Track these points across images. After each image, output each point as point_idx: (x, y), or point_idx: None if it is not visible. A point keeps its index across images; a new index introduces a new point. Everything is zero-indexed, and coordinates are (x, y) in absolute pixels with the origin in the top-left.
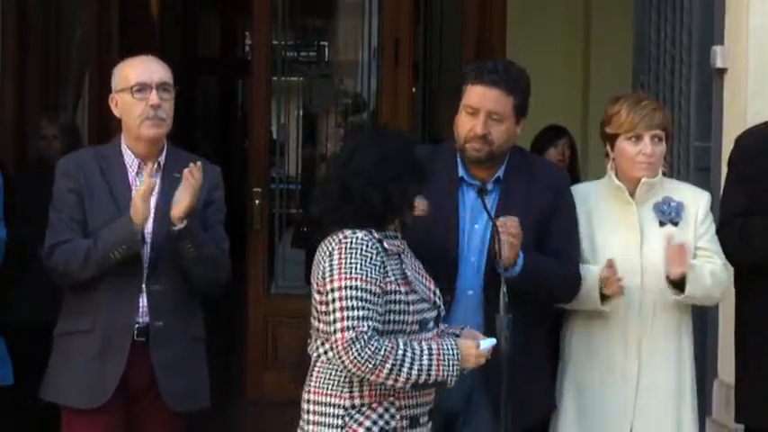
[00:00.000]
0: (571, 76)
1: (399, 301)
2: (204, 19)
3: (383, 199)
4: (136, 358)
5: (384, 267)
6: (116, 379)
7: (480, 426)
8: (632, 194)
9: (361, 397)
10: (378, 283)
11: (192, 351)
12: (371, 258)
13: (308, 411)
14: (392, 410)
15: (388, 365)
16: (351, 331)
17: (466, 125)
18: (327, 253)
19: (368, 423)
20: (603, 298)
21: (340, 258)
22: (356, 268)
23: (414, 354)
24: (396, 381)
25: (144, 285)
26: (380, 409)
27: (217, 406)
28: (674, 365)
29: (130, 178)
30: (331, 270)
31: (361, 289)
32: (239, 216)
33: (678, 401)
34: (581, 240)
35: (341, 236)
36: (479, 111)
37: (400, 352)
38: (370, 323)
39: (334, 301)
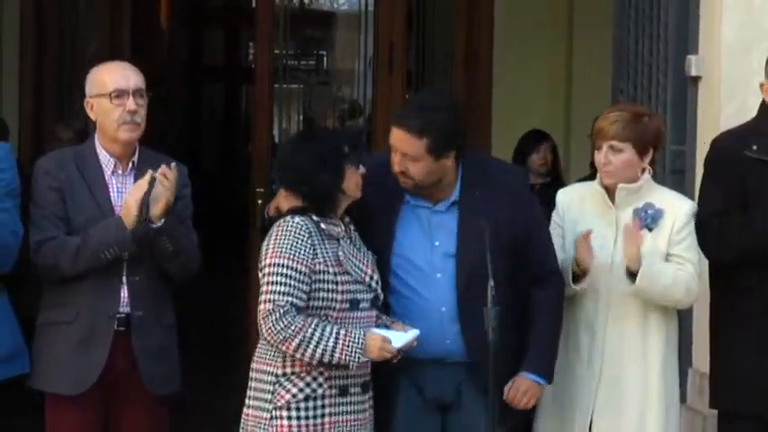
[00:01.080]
0: (554, 84)
1: (328, 281)
2: (210, 29)
3: (312, 190)
4: (117, 346)
5: (314, 249)
6: (100, 367)
7: (471, 414)
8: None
9: (292, 366)
10: (305, 262)
11: (167, 338)
12: (302, 240)
13: (252, 378)
14: (320, 380)
15: (297, 341)
16: (270, 303)
17: (392, 158)
18: (269, 236)
19: (294, 390)
20: (576, 279)
21: (275, 239)
22: (286, 248)
23: (322, 335)
24: (303, 355)
25: (124, 277)
26: (308, 378)
27: (223, 394)
28: (640, 359)
29: (106, 177)
30: (266, 249)
31: (287, 266)
32: (242, 214)
33: (643, 394)
34: (565, 232)
35: (281, 221)
36: (396, 150)
37: (309, 330)
38: (289, 298)
39: (263, 276)
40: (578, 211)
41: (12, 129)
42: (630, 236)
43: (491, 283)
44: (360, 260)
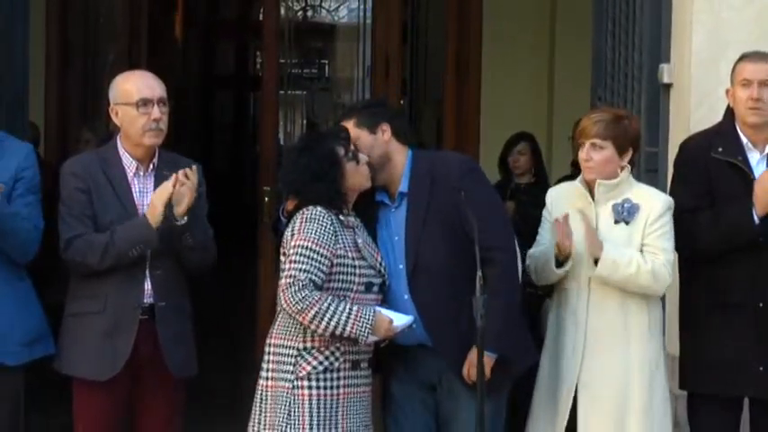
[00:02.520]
0: (538, 90)
1: (347, 265)
2: (221, 41)
3: (314, 197)
4: (141, 334)
5: (336, 236)
6: (126, 354)
7: (459, 394)
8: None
9: (312, 341)
10: (327, 246)
11: (186, 325)
12: (326, 227)
13: (269, 353)
14: (337, 354)
15: (312, 312)
16: (290, 278)
17: None
18: (293, 223)
19: (315, 363)
20: (560, 264)
21: (300, 225)
22: (310, 233)
23: (336, 309)
24: (317, 326)
25: (147, 270)
26: (327, 352)
27: (236, 377)
28: (620, 344)
29: (129, 178)
30: (292, 234)
31: (310, 249)
32: (251, 210)
33: (624, 378)
34: (553, 226)
35: (304, 210)
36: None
37: (325, 304)
38: (309, 275)
39: (288, 257)
40: (563, 206)
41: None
42: (589, 230)
43: (479, 273)
44: (373, 248)
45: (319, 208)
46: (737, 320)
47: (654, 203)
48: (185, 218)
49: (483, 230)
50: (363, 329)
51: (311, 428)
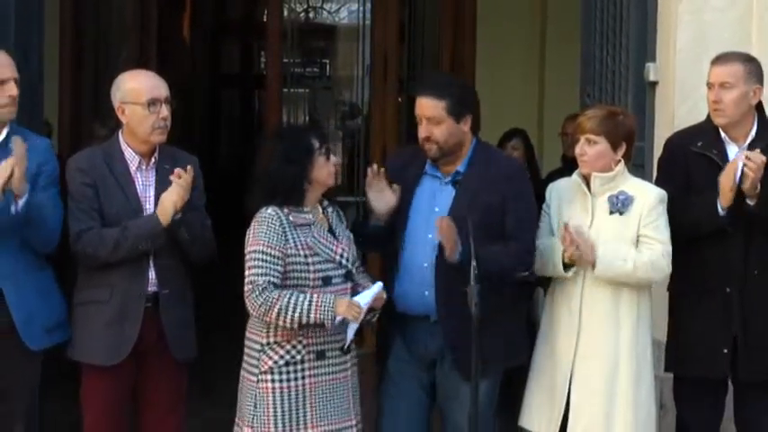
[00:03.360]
0: (529, 88)
1: (299, 263)
2: (227, 41)
3: (275, 185)
4: (147, 321)
5: (285, 235)
6: (132, 340)
7: (452, 373)
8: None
9: (275, 335)
10: (278, 247)
11: (188, 311)
12: (274, 228)
13: (245, 346)
14: (299, 347)
15: (276, 309)
16: (250, 284)
17: (419, 131)
18: (250, 226)
19: (276, 357)
20: (567, 267)
21: (252, 230)
22: (261, 236)
23: (297, 301)
24: (284, 321)
25: (151, 261)
26: (288, 346)
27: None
28: (611, 330)
29: (132, 172)
30: (247, 239)
31: (263, 252)
32: None
33: (613, 365)
34: (552, 219)
35: (257, 213)
36: (421, 119)
37: (286, 299)
38: (267, 278)
39: (246, 262)
40: (561, 199)
41: (53, 127)
42: (582, 241)
43: (473, 263)
44: (330, 242)
45: (269, 210)
46: (709, 305)
47: (648, 196)
48: (179, 214)
49: (521, 231)
50: (326, 312)
51: (275, 420)
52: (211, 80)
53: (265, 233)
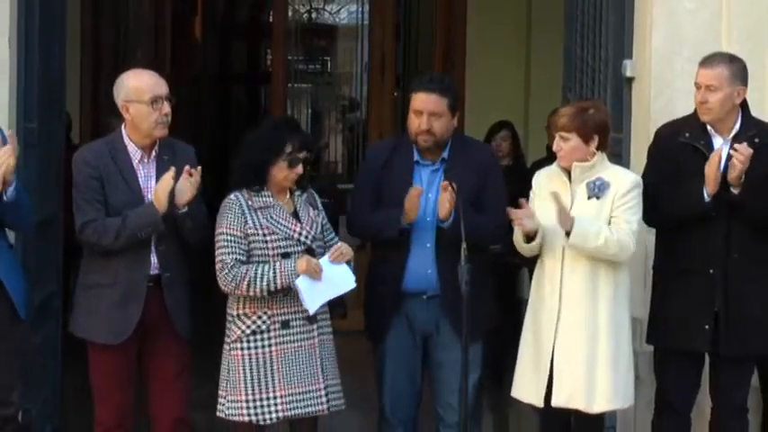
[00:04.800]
0: (515, 83)
1: (259, 241)
2: (236, 41)
3: (242, 173)
4: (149, 301)
5: (244, 217)
6: (135, 319)
7: (447, 342)
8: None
9: (243, 307)
10: (239, 228)
11: (187, 292)
12: (234, 212)
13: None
14: (264, 317)
15: (245, 283)
16: (219, 263)
17: (414, 123)
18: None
19: (243, 327)
20: (529, 240)
21: (219, 215)
22: (224, 219)
23: (262, 272)
24: (255, 292)
25: (153, 247)
26: (254, 317)
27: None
28: (588, 306)
29: (135, 165)
30: (215, 222)
31: (227, 233)
32: None
33: (592, 336)
34: (535, 207)
35: (224, 199)
36: (422, 112)
37: (252, 272)
38: (233, 256)
39: (215, 243)
40: (544, 187)
41: (74, 121)
42: (561, 208)
43: (464, 245)
44: (289, 222)
45: (231, 195)
46: (694, 284)
47: (623, 181)
48: (186, 208)
49: (491, 209)
50: (289, 275)
51: (245, 385)
52: (221, 77)
53: (227, 217)
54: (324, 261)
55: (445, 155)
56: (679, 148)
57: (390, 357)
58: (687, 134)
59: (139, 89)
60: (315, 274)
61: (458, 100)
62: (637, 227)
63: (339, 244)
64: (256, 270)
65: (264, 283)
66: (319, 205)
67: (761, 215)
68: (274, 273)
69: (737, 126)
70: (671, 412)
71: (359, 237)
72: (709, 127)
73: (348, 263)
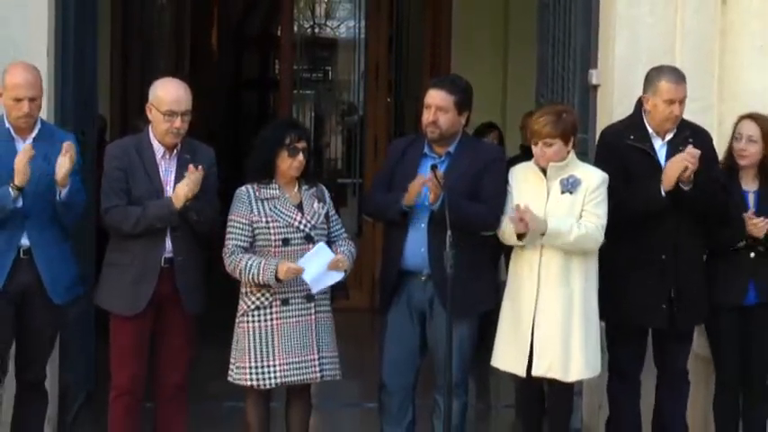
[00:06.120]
0: (494, 89)
1: (262, 227)
2: (247, 52)
3: (253, 168)
4: (163, 280)
5: (251, 206)
6: (148, 296)
7: (440, 319)
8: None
9: (250, 287)
10: (245, 215)
11: (198, 273)
12: (242, 200)
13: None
14: (267, 295)
15: (238, 270)
16: (225, 248)
17: (424, 116)
18: None
19: (248, 302)
20: (520, 237)
21: (231, 203)
22: (233, 209)
23: (250, 266)
24: (246, 279)
25: (168, 233)
26: (258, 294)
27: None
28: (564, 290)
29: (157, 160)
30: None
31: (233, 221)
32: None
33: (567, 315)
34: (513, 199)
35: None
36: (431, 106)
37: (243, 263)
38: (235, 242)
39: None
40: (520, 182)
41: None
42: (532, 217)
43: (449, 232)
44: (292, 212)
45: (242, 187)
46: (648, 269)
47: (592, 178)
48: (189, 201)
49: (493, 200)
50: (269, 276)
51: (249, 353)
52: (234, 84)
53: (235, 206)
54: (302, 264)
55: (451, 149)
56: (626, 149)
57: (390, 331)
58: (632, 137)
59: (160, 99)
60: (295, 275)
61: (468, 100)
62: (605, 220)
63: (338, 256)
64: (247, 262)
65: (251, 276)
66: (327, 199)
67: (704, 207)
68: (258, 269)
69: (674, 129)
70: (623, 378)
71: (369, 215)
72: (650, 130)
73: (346, 272)
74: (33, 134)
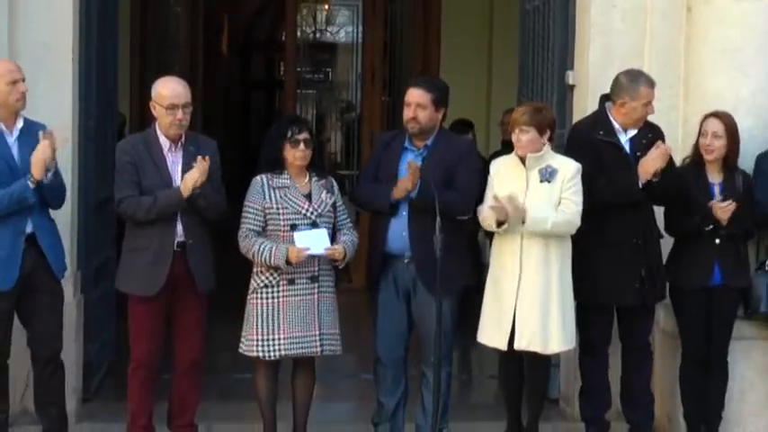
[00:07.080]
0: (479, 89)
1: (273, 213)
2: (255, 55)
3: (264, 161)
4: (176, 262)
5: (263, 194)
6: (163, 278)
7: (424, 297)
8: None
9: (259, 265)
10: (258, 201)
11: (208, 255)
12: (257, 188)
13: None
14: (275, 275)
15: (251, 253)
16: (240, 231)
17: (405, 112)
18: None
19: (258, 281)
20: (499, 225)
21: (247, 191)
22: (249, 195)
23: (261, 249)
24: (255, 261)
25: (179, 218)
26: (267, 273)
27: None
28: (543, 272)
29: (164, 153)
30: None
31: (247, 206)
32: None
33: (546, 294)
34: (494, 189)
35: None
36: (411, 103)
37: (255, 247)
38: (248, 226)
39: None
40: (502, 172)
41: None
42: (514, 207)
43: (438, 219)
44: (300, 200)
45: (257, 177)
46: (620, 252)
47: (568, 168)
48: (198, 189)
49: (465, 188)
50: (280, 259)
51: (257, 327)
52: (243, 84)
53: (251, 192)
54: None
55: (429, 143)
56: (596, 143)
57: (381, 309)
58: (601, 132)
59: (161, 96)
60: (302, 258)
61: (444, 98)
62: (581, 206)
63: (336, 247)
64: (259, 246)
65: (263, 259)
66: (335, 190)
67: (672, 195)
68: (269, 253)
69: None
70: (593, 353)
71: (356, 204)
72: (616, 126)
73: (347, 259)
74: (19, 126)
